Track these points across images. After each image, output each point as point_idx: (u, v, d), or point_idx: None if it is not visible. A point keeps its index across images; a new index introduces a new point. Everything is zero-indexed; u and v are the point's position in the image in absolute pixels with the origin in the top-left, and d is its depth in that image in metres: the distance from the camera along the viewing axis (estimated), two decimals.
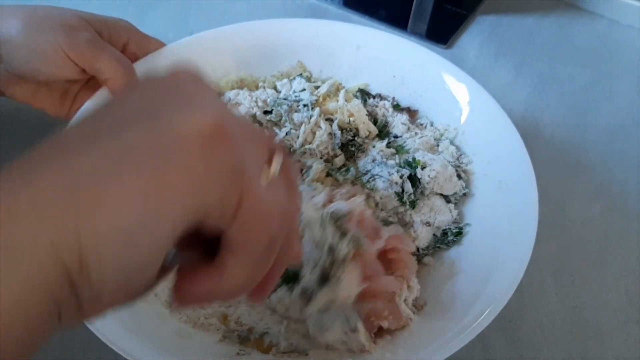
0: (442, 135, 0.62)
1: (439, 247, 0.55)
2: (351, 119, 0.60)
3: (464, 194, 0.57)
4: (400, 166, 0.57)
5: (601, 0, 0.84)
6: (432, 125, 0.63)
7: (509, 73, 0.78)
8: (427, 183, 0.56)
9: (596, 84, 0.76)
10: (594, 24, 0.84)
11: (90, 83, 0.61)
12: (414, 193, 0.56)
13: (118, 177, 0.24)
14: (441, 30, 0.83)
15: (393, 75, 0.66)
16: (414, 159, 0.57)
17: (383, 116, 0.63)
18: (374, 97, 0.65)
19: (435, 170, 0.56)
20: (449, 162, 0.58)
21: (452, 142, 0.61)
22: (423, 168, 0.56)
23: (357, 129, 0.61)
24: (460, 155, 0.60)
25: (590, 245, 0.61)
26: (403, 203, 0.55)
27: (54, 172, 0.23)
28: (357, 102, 0.61)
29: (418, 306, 0.50)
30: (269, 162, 0.30)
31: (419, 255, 0.54)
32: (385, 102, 0.64)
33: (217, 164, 0.26)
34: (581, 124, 0.71)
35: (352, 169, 0.58)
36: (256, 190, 0.27)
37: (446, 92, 0.63)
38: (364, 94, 0.65)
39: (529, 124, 0.71)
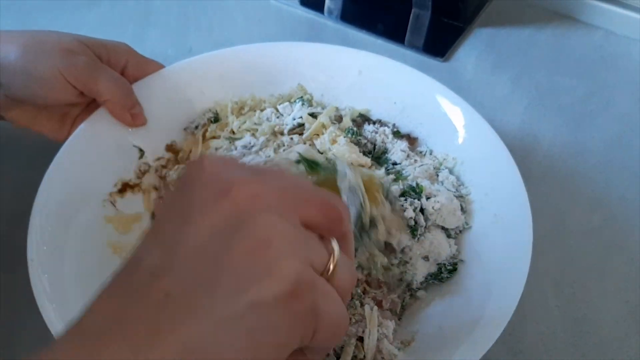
0: (441, 164, 0.61)
1: (432, 282, 0.54)
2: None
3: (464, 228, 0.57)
4: (404, 193, 0.56)
5: (597, 12, 0.84)
6: (431, 153, 0.63)
7: (507, 85, 0.78)
8: (431, 215, 0.55)
9: (594, 95, 0.76)
10: (591, 36, 0.84)
11: (91, 106, 0.62)
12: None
13: (224, 349, 0.27)
14: (438, 44, 0.84)
15: (394, 102, 0.66)
16: (417, 184, 0.56)
17: (382, 142, 0.62)
18: (374, 122, 0.65)
19: (440, 202, 0.55)
20: (450, 192, 0.57)
21: (451, 172, 0.60)
22: (428, 198, 0.56)
23: None
24: (460, 185, 0.59)
25: (590, 256, 0.61)
26: (414, 236, 0.54)
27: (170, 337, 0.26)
28: (342, 143, 0.60)
29: (405, 342, 0.49)
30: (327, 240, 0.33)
31: (413, 290, 0.54)
32: (386, 128, 0.64)
33: (295, 317, 0.29)
34: (579, 135, 0.72)
35: None
36: (326, 315, 0.30)
37: (446, 122, 0.62)
38: (364, 119, 0.65)
39: (526, 135, 0.72)
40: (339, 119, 0.64)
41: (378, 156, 0.62)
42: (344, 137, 0.61)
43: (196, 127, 0.65)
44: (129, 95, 0.60)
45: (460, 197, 0.58)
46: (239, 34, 0.87)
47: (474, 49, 0.83)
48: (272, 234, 0.29)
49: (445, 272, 0.54)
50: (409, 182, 0.57)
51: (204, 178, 0.32)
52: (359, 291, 0.51)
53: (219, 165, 0.33)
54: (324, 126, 0.62)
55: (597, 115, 0.74)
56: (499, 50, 0.83)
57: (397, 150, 0.62)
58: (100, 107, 0.60)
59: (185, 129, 0.65)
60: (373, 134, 0.63)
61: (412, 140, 0.64)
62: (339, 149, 0.60)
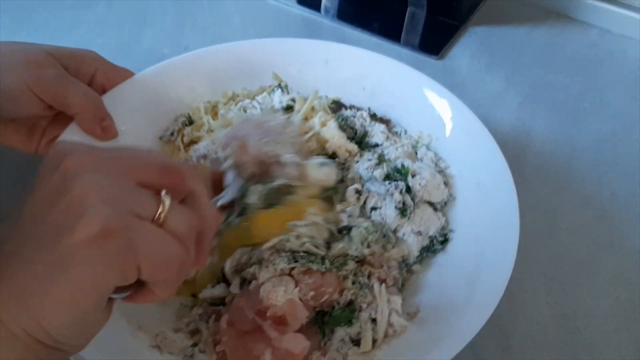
0: (417, 142, 0.63)
1: (425, 255, 0.55)
2: (326, 145, 0.60)
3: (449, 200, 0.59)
4: (388, 176, 0.57)
5: (593, 10, 0.85)
6: (406, 133, 0.65)
7: (500, 83, 0.78)
8: (418, 191, 0.57)
9: (587, 93, 0.77)
10: (586, 34, 0.84)
11: (59, 116, 0.60)
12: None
13: (49, 288, 0.32)
14: (433, 42, 0.84)
15: (363, 87, 0.67)
16: (402, 165, 0.58)
17: (361, 126, 0.63)
18: (349, 108, 0.66)
19: (425, 178, 0.57)
20: (431, 167, 0.59)
21: (428, 148, 0.62)
22: (413, 176, 0.57)
23: (334, 153, 0.60)
24: (439, 160, 0.61)
25: (581, 253, 0.61)
26: (404, 216, 0.55)
27: (7, 284, 0.32)
28: (333, 126, 0.61)
29: (411, 314, 0.51)
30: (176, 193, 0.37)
31: (409, 265, 0.55)
32: (363, 112, 0.65)
33: (105, 255, 0.33)
34: (572, 133, 0.72)
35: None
36: (146, 251, 0.34)
37: (417, 101, 0.64)
38: (338, 106, 0.65)
39: (519, 133, 0.72)
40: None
41: (359, 140, 0.62)
42: (334, 121, 0.61)
43: (171, 134, 0.64)
44: (98, 108, 0.59)
45: (440, 171, 0.60)
46: (235, 32, 0.87)
47: (468, 47, 0.83)
48: (89, 190, 0.33)
49: (437, 244, 0.56)
50: (393, 164, 0.58)
51: (47, 159, 0.36)
52: (366, 275, 0.51)
53: (64, 146, 0.37)
54: (313, 109, 0.63)
55: (590, 113, 0.74)
56: (493, 49, 0.83)
57: (377, 133, 0.63)
58: (71, 120, 0.59)
59: (160, 138, 0.64)
60: (352, 118, 0.64)
61: (386, 122, 0.66)
62: (329, 132, 0.60)
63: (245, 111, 0.64)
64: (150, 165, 0.37)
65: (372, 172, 0.58)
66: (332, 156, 0.60)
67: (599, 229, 0.62)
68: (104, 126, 0.59)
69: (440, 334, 0.47)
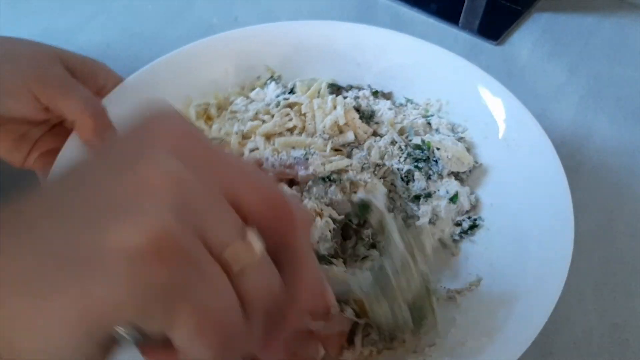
0: (427, 111, 0.60)
1: (460, 236, 0.53)
2: (345, 129, 0.58)
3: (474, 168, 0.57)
4: (410, 154, 0.55)
5: None
6: (412, 103, 0.62)
7: (563, 73, 0.74)
8: (446, 163, 0.55)
9: None
10: None
11: (55, 129, 0.55)
12: (434, 173, 0.55)
13: (37, 296, 0.23)
14: (493, 26, 0.80)
15: (357, 63, 0.64)
16: (422, 141, 0.56)
17: (367, 106, 0.60)
18: (346, 89, 0.63)
19: (450, 149, 0.55)
20: (450, 136, 0.57)
21: (440, 110, 0.60)
22: (438, 149, 0.55)
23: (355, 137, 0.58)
24: (454, 125, 0.59)
25: (637, 259, 0.56)
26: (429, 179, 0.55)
27: None
28: (340, 110, 0.57)
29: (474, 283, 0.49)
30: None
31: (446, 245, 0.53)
32: (364, 91, 0.61)
33: (143, 284, 0.22)
34: (636, 130, 0.67)
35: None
36: (197, 305, 0.23)
37: (418, 66, 0.62)
38: (336, 88, 0.62)
39: (580, 127, 0.67)
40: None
41: (368, 119, 0.59)
42: (351, 99, 0.59)
43: None
44: (101, 116, 0.52)
45: (460, 139, 0.57)
46: (286, 7, 0.84)
47: (530, 34, 0.79)
48: (162, 178, 0.24)
49: (467, 225, 0.54)
50: (413, 141, 0.56)
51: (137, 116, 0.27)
52: None
53: (163, 107, 0.27)
54: (319, 94, 0.61)
55: None
56: (557, 37, 0.78)
57: (385, 110, 0.60)
58: (70, 133, 0.53)
59: None
60: (356, 99, 0.60)
61: (387, 96, 0.63)
62: (338, 113, 0.57)
63: (237, 119, 0.60)
64: (258, 186, 0.26)
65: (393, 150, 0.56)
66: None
67: None
68: (106, 138, 0.52)
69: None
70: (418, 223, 0.53)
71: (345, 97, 0.60)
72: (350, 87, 0.63)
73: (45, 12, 0.81)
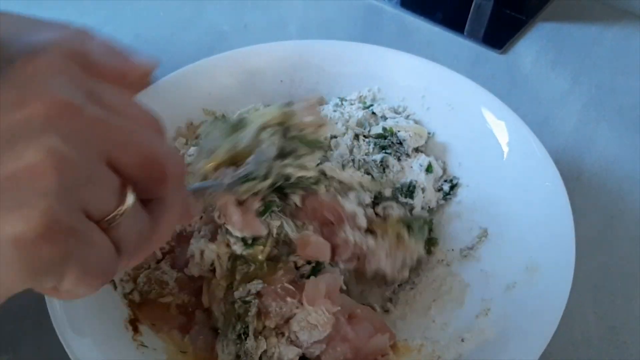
0: (364, 103, 0.62)
1: (445, 199, 0.57)
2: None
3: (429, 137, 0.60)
4: (376, 144, 0.57)
5: None
6: (345, 100, 0.63)
7: (566, 82, 0.75)
8: (410, 141, 0.58)
9: None
10: None
11: None
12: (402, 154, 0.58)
13: None
14: (498, 35, 0.81)
15: (280, 80, 0.64)
16: (384, 128, 0.58)
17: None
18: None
19: (408, 128, 0.58)
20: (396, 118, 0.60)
21: (375, 99, 0.63)
22: (399, 132, 0.58)
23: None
24: (395, 108, 0.62)
25: (636, 265, 0.58)
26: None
27: None
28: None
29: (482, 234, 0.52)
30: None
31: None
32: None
33: (32, 265, 0.25)
34: (638, 139, 0.68)
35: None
36: (77, 266, 0.26)
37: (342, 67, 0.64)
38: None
39: (581, 135, 0.69)
40: None
41: None
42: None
43: None
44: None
45: (407, 117, 0.61)
46: (295, 14, 0.86)
47: (534, 43, 0.80)
48: (49, 163, 0.24)
49: (448, 189, 0.58)
50: (372, 131, 0.58)
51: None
52: None
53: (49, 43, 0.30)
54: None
55: None
56: (560, 46, 0.80)
57: (330, 112, 0.61)
58: None
59: None
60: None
61: (321, 101, 0.64)
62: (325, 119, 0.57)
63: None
64: (136, 148, 0.28)
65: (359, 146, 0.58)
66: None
67: None
68: None
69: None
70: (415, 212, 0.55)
71: None
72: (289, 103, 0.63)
73: (57, 18, 0.83)
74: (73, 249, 0.26)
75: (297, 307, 0.46)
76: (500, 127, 0.55)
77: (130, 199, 0.28)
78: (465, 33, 0.82)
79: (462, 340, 0.46)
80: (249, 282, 0.47)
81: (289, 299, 0.46)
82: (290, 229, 0.49)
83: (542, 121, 0.69)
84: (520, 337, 0.44)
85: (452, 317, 0.49)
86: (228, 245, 0.48)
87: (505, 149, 0.54)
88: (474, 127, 0.57)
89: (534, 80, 0.76)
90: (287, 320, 0.46)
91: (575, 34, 0.81)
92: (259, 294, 0.46)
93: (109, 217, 0.28)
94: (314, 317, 0.45)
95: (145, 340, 0.47)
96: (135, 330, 0.47)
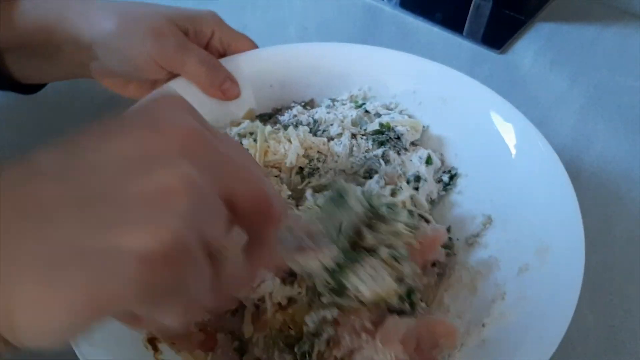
0: (356, 102, 0.62)
1: (445, 190, 0.58)
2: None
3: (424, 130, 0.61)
4: (375, 140, 0.58)
5: None
6: (337, 101, 0.63)
7: (564, 82, 0.75)
8: (407, 135, 0.58)
9: None
10: None
11: None
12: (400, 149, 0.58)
13: (49, 279, 0.24)
14: (497, 35, 0.82)
15: (270, 85, 0.64)
16: (380, 124, 0.58)
17: (308, 119, 0.61)
18: (273, 114, 0.63)
19: (404, 123, 0.59)
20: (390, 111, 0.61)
21: (366, 98, 0.63)
22: (396, 126, 0.58)
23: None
24: (387, 105, 0.62)
25: (634, 264, 0.58)
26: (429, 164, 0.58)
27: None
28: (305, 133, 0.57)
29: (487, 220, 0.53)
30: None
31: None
32: (296, 107, 0.62)
33: (148, 283, 0.25)
34: (636, 138, 0.69)
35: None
36: (188, 297, 0.27)
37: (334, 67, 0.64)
38: (268, 116, 0.63)
39: (580, 135, 0.69)
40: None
41: (315, 131, 0.60)
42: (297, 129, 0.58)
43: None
44: (215, 73, 0.59)
45: (400, 112, 0.61)
46: (295, 15, 0.86)
47: (533, 44, 0.81)
48: (182, 186, 0.25)
49: (447, 180, 0.58)
50: (369, 128, 0.59)
51: (145, 104, 0.29)
52: None
53: (169, 102, 0.30)
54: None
55: None
56: (559, 47, 0.80)
57: (324, 114, 0.60)
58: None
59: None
60: (292, 119, 0.61)
61: (311, 104, 0.65)
62: (296, 147, 0.55)
63: None
64: (253, 184, 0.29)
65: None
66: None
67: None
68: (224, 89, 0.60)
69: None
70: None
71: (282, 122, 0.60)
72: (278, 110, 0.64)
73: None
74: (186, 278, 0.26)
75: (367, 342, 0.44)
76: (496, 116, 0.56)
77: (242, 237, 0.29)
78: (464, 33, 0.82)
79: (483, 326, 0.46)
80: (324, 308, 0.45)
81: (363, 335, 0.44)
82: None
83: (541, 121, 0.69)
84: (541, 317, 0.44)
85: (467, 305, 0.49)
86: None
87: (504, 136, 0.55)
88: (468, 118, 0.58)
89: (533, 80, 0.76)
90: (352, 352, 0.44)
91: (574, 34, 0.82)
92: (335, 322, 0.44)
93: (218, 250, 0.28)
94: (380, 358, 0.43)
95: (166, 358, 0.46)
96: (155, 349, 0.46)
